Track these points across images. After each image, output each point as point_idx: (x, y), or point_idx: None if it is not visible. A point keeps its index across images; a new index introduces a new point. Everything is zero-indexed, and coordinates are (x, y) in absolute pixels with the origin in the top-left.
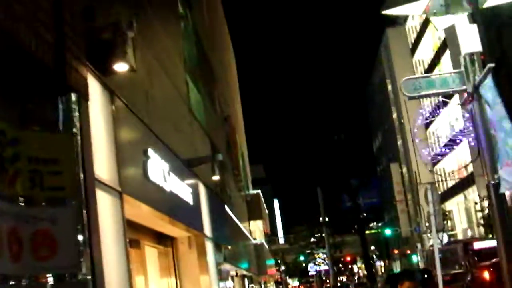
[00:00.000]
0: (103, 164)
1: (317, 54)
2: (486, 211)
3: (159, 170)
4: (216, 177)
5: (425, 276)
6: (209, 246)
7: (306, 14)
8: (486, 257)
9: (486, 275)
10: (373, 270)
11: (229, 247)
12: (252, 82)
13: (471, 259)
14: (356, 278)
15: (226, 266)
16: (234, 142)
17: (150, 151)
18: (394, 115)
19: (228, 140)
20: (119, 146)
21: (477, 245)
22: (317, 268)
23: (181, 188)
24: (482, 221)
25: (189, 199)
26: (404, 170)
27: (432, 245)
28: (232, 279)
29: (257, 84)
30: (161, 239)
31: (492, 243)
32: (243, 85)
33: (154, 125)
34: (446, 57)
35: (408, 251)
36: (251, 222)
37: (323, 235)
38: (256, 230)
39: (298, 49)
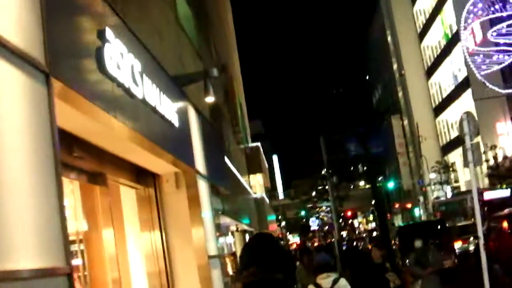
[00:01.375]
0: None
1: (315, 6)
2: (493, 161)
3: (124, 65)
4: (210, 98)
5: (439, 227)
6: (202, 186)
7: None
8: (496, 208)
9: (505, 225)
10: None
11: (228, 194)
12: (249, 37)
13: (482, 209)
14: (357, 233)
15: (226, 220)
16: (232, 92)
17: (110, 34)
18: (395, 67)
19: (226, 89)
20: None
21: (487, 195)
22: (320, 222)
23: (162, 103)
24: (489, 172)
25: (175, 121)
26: (405, 122)
27: (437, 197)
28: (233, 235)
29: (255, 38)
30: (140, 176)
31: (503, 193)
32: (240, 40)
33: (125, 12)
34: (449, 4)
35: (409, 205)
36: (251, 176)
37: (326, 187)
38: (256, 185)
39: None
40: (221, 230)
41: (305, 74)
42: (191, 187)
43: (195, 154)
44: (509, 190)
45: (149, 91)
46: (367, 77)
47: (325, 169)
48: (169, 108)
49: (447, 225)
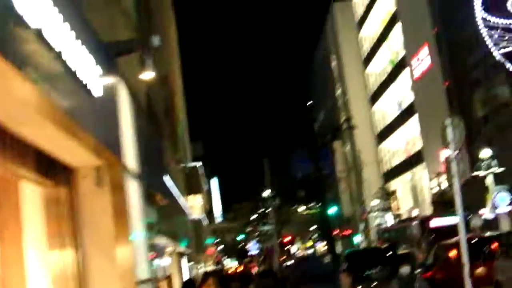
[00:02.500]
0: None
1: (261, 29)
2: (437, 188)
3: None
4: (149, 74)
5: (390, 253)
6: (133, 189)
7: None
8: (444, 236)
9: (452, 254)
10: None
11: (166, 210)
12: (193, 58)
13: (428, 237)
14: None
15: (163, 240)
16: (173, 107)
17: None
18: (338, 92)
19: (166, 104)
20: None
21: (434, 223)
22: (259, 246)
23: (86, 69)
24: (433, 199)
25: (100, 95)
26: (348, 148)
27: (379, 224)
28: (170, 256)
29: (199, 59)
30: (49, 168)
31: (451, 220)
32: (184, 60)
33: None
34: (396, 31)
35: (349, 232)
36: (190, 197)
37: (267, 210)
38: (195, 206)
39: (241, 22)
40: (157, 251)
41: (248, 97)
42: (118, 188)
43: (125, 144)
44: (458, 217)
45: (70, 48)
46: (311, 102)
47: (267, 192)
48: (94, 78)
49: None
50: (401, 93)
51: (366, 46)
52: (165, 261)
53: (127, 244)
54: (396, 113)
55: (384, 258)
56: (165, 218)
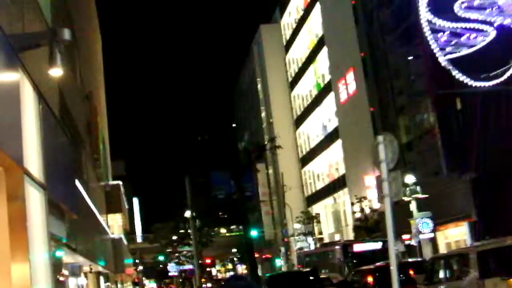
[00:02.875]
0: None
1: (188, 49)
2: (359, 214)
3: None
4: (57, 71)
5: (312, 277)
6: (35, 198)
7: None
8: (365, 261)
9: (370, 279)
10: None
11: (80, 228)
12: (117, 77)
13: (350, 262)
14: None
15: (79, 259)
16: (95, 123)
17: None
18: (263, 115)
19: (88, 120)
20: None
21: (357, 247)
22: (180, 267)
23: None
24: (356, 224)
25: None
26: (271, 171)
27: (300, 248)
28: (86, 276)
29: (123, 78)
30: None
31: (373, 245)
32: (108, 78)
33: None
34: (323, 54)
35: (270, 255)
36: (110, 215)
37: (189, 231)
38: (114, 225)
39: (167, 42)
40: (70, 270)
41: (171, 117)
42: (15, 197)
43: (26, 147)
44: (380, 243)
45: None
46: (235, 124)
47: (188, 212)
48: None
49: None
50: (326, 117)
51: (293, 69)
52: (80, 281)
53: (25, 261)
54: (320, 137)
55: (306, 282)
56: (81, 235)
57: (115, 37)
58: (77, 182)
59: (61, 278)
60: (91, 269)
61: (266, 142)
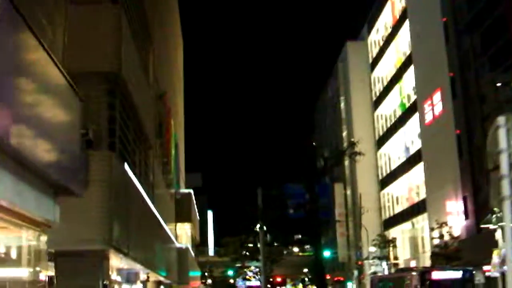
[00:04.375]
0: None
1: (271, 65)
2: (438, 240)
3: None
4: None
5: None
6: None
7: (265, 21)
8: None
9: None
10: None
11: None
12: (199, 94)
13: None
14: None
15: (136, 266)
16: (168, 126)
17: None
18: (344, 133)
19: (160, 121)
20: None
21: (436, 275)
22: (247, 283)
23: None
24: (435, 250)
25: None
26: (348, 192)
27: (374, 272)
28: (144, 284)
29: (204, 93)
30: None
31: (453, 274)
32: (189, 96)
33: None
34: (409, 73)
35: (342, 278)
36: (179, 224)
37: (258, 245)
38: (183, 235)
39: (251, 56)
40: (126, 276)
41: (251, 132)
42: None
43: None
44: (460, 272)
45: None
46: (314, 141)
47: (258, 226)
48: None
49: None
50: (409, 139)
51: (378, 88)
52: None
53: None
54: (402, 159)
55: None
56: (139, 241)
57: (197, 48)
58: (126, 167)
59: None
60: (148, 277)
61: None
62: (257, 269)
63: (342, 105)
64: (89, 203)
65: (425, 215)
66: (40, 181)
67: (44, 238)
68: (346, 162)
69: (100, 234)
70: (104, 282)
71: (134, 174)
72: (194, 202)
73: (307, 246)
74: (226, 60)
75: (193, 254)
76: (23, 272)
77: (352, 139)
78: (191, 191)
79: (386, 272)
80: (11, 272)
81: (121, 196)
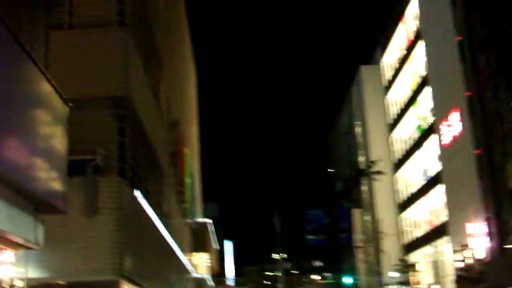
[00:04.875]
0: None
1: (285, 91)
2: (462, 263)
3: None
4: None
5: None
6: None
7: (278, 46)
8: None
9: None
10: None
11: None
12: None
13: None
14: None
15: None
16: (181, 154)
17: None
18: (361, 158)
19: (174, 150)
20: None
21: None
22: None
23: None
24: (460, 274)
25: None
26: (367, 217)
27: None
28: None
29: (218, 123)
30: None
31: None
32: (204, 123)
33: None
34: (425, 95)
35: None
36: (196, 254)
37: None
38: (200, 266)
39: (264, 81)
40: None
41: (266, 159)
42: None
43: None
44: None
45: None
46: (330, 168)
47: (277, 255)
48: None
49: None
50: (427, 161)
51: (393, 111)
52: None
53: None
54: (420, 181)
55: None
56: (153, 272)
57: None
58: (137, 193)
59: None
60: None
61: (365, 165)
62: None
63: (358, 129)
64: (99, 232)
65: (446, 238)
66: (15, 194)
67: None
68: (365, 187)
69: (110, 263)
70: None
71: (147, 202)
72: (212, 231)
73: (327, 274)
74: (240, 87)
75: (212, 284)
76: None
77: (369, 164)
78: (208, 220)
79: None
80: None
81: (133, 224)
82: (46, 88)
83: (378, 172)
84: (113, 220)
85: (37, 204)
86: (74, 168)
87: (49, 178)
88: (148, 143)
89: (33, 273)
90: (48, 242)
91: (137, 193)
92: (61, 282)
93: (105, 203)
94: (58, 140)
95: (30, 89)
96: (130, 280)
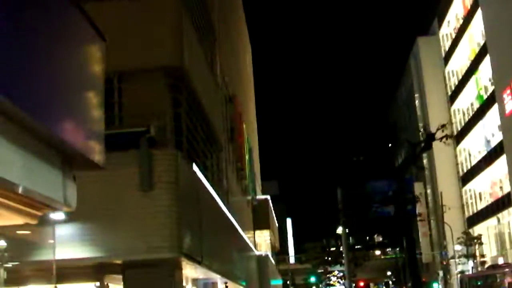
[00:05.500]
0: None
1: (342, 66)
2: None
3: None
4: None
5: None
6: None
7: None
8: None
9: None
10: None
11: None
12: (271, 95)
13: None
14: None
15: (211, 275)
16: (240, 130)
17: None
18: (421, 132)
19: (231, 125)
20: None
21: None
22: None
23: None
24: None
25: None
26: (429, 190)
27: (462, 271)
28: None
29: (276, 95)
30: None
31: None
32: (261, 101)
33: None
34: (485, 64)
35: (425, 279)
36: (257, 232)
37: (341, 249)
38: (262, 243)
39: (321, 59)
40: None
41: (325, 136)
42: None
43: None
44: None
45: None
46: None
47: (340, 229)
48: None
49: None
50: (489, 131)
51: (452, 82)
52: None
53: None
54: (483, 153)
55: None
56: (216, 250)
57: (266, 56)
58: (195, 168)
59: None
60: (226, 287)
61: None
62: (341, 274)
63: (417, 102)
64: (155, 207)
65: (510, 210)
66: (35, 141)
67: None
68: (425, 160)
69: (169, 240)
70: None
71: (206, 178)
72: (272, 208)
73: (389, 249)
74: (296, 63)
75: (273, 262)
76: None
77: (441, 124)
78: (268, 197)
79: (472, 271)
80: None
81: (191, 200)
82: (78, 18)
83: (447, 136)
84: (170, 195)
85: (65, 155)
86: (128, 141)
87: (81, 123)
88: (205, 116)
89: (87, 252)
90: (102, 219)
91: (195, 167)
92: (117, 262)
93: (161, 177)
94: (94, 79)
95: (60, 18)
96: (190, 258)
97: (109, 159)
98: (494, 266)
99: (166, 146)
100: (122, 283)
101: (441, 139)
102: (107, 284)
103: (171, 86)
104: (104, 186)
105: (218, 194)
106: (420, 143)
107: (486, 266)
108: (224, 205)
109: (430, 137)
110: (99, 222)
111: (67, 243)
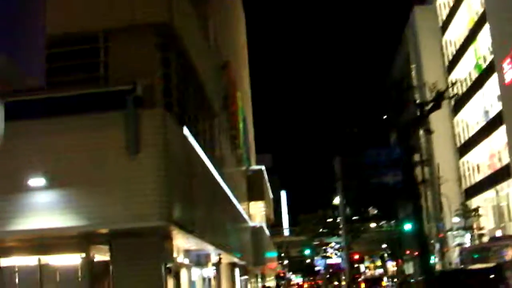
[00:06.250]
0: None
1: (336, 36)
2: None
3: None
4: None
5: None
6: None
7: None
8: None
9: None
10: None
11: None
12: (265, 67)
13: None
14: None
15: (206, 246)
16: (233, 96)
17: None
18: (417, 102)
19: (226, 93)
20: None
21: None
22: (327, 261)
23: None
24: None
25: None
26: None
27: (459, 244)
28: (216, 267)
29: (271, 67)
30: None
31: None
32: (255, 73)
33: None
34: (484, 33)
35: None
36: (252, 203)
37: (338, 219)
38: (256, 215)
39: (316, 28)
40: (195, 259)
41: (320, 107)
42: None
43: None
44: None
45: None
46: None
47: (337, 198)
48: None
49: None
50: (487, 102)
51: (450, 52)
52: (206, 272)
53: None
54: (481, 123)
55: (487, 281)
56: (209, 220)
57: (261, 28)
58: (186, 131)
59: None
60: (220, 259)
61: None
62: (338, 245)
63: (413, 72)
64: (142, 172)
65: (509, 181)
66: None
67: None
68: (421, 132)
69: (158, 207)
70: (168, 265)
71: (198, 144)
72: (267, 179)
73: (383, 222)
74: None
75: (267, 233)
76: None
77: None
78: (263, 167)
79: (469, 244)
80: None
81: (182, 165)
82: None
83: (458, 94)
84: (158, 159)
85: None
86: (112, 101)
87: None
88: (198, 79)
89: (70, 221)
90: (86, 186)
91: (186, 131)
92: (102, 231)
93: (149, 140)
94: None
95: None
96: (181, 227)
97: (93, 120)
98: (496, 238)
99: (154, 106)
100: (108, 254)
101: (451, 98)
102: (93, 255)
103: (160, 45)
104: (87, 149)
105: (211, 162)
106: (428, 103)
107: (486, 238)
108: (218, 173)
109: (440, 95)
110: (82, 188)
111: (49, 211)
